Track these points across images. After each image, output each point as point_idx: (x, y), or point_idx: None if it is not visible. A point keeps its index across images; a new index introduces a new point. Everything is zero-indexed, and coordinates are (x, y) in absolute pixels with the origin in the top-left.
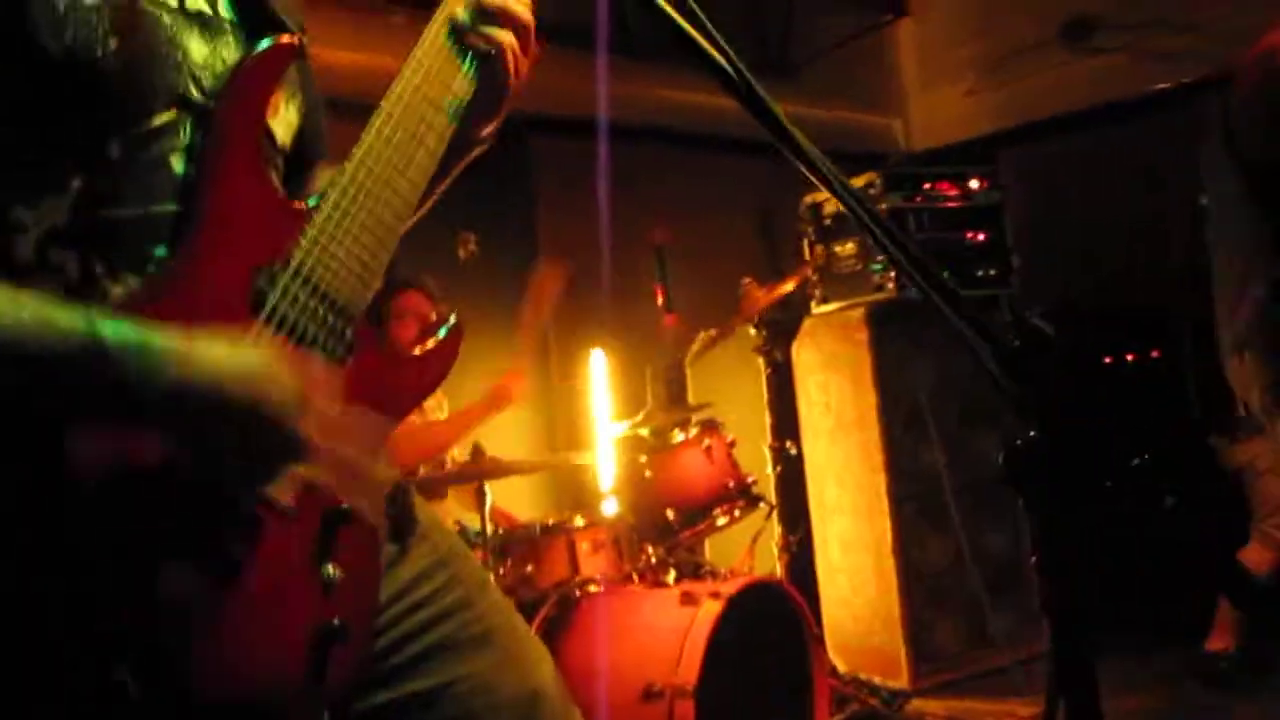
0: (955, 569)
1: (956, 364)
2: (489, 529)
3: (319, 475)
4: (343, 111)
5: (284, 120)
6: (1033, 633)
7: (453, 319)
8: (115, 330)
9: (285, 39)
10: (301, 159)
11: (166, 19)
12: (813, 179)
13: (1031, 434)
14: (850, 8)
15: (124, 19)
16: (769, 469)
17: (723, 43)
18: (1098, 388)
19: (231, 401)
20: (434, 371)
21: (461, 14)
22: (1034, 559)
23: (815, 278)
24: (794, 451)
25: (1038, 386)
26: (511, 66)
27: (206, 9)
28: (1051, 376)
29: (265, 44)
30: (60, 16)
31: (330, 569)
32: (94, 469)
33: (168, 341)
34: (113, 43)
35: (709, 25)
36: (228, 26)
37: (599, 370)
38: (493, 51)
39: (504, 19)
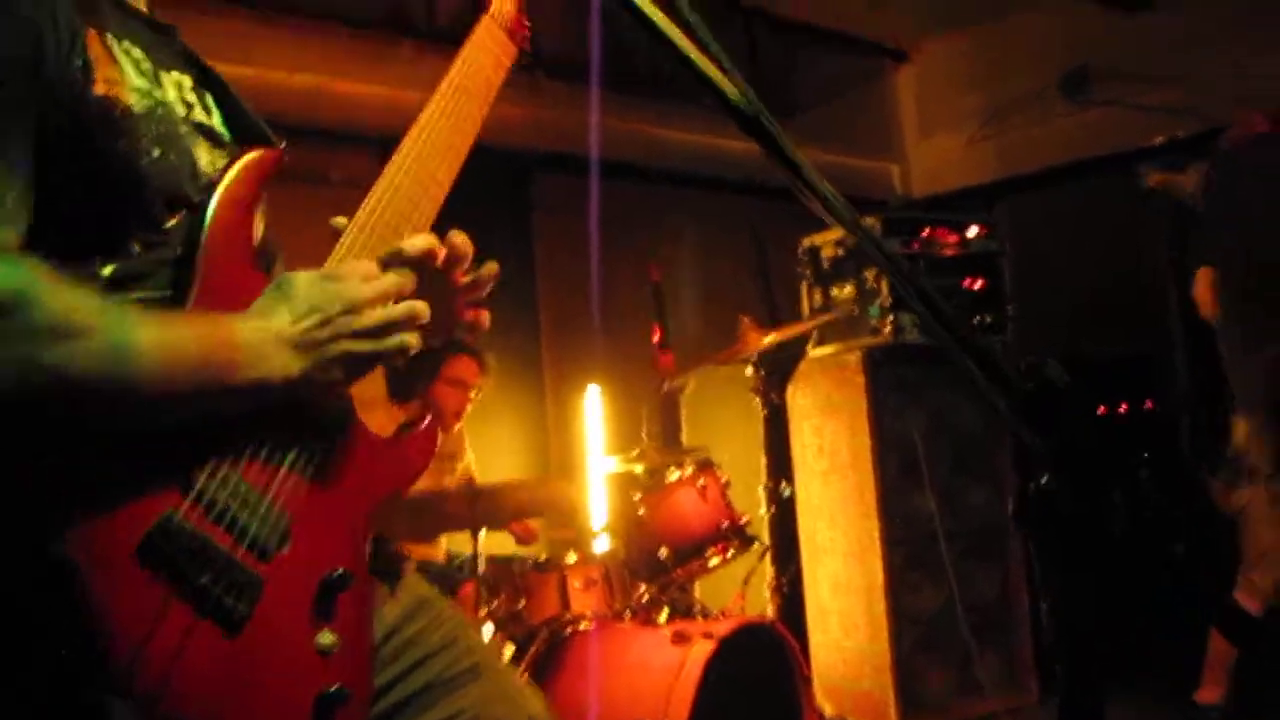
0: (945, 615)
1: (952, 410)
2: (481, 560)
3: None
4: (355, 141)
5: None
6: (1020, 681)
7: (427, 419)
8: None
9: (272, 150)
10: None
11: (183, 129)
12: (827, 218)
13: (1045, 480)
14: (851, 52)
15: (165, 135)
16: (763, 509)
17: (737, 76)
18: (1101, 437)
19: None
20: (412, 463)
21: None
22: (1046, 605)
23: (814, 323)
24: (788, 493)
25: (1053, 433)
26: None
27: (208, 121)
28: (1066, 424)
29: (254, 153)
30: (115, 124)
31: (328, 635)
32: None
33: (248, 319)
34: (155, 152)
35: (723, 58)
36: (225, 140)
37: (594, 406)
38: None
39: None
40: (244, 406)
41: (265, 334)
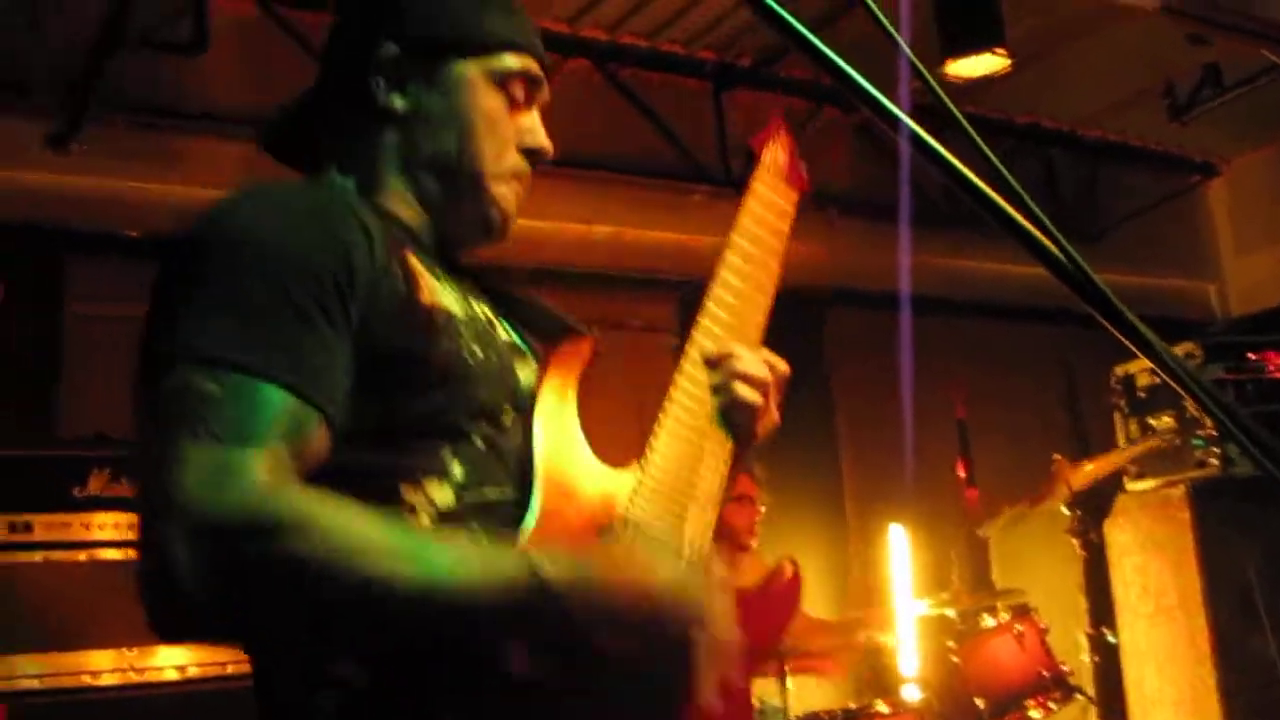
0: None
1: None
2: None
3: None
4: (654, 286)
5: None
6: None
7: (790, 563)
8: (553, 564)
9: (583, 338)
10: None
11: (501, 344)
12: (1134, 350)
13: None
14: (1156, 170)
15: (485, 338)
16: (1084, 657)
17: (1034, 207)
18: None
19: (650, 614)
20: (778, 615)
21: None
22: None
23: (1130, 455)
24: (1112, 639)
25: None
26: (759, 424)
27: (514, 341)
28: None
29: (565, 346)
30: (440, 328)
31: None
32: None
33: (592, 568)
34: (478, 350)
35: (1017, 186)
36: (529, 356)
37: (899, 546)
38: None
39: (750, 382)
40: (508, 634)
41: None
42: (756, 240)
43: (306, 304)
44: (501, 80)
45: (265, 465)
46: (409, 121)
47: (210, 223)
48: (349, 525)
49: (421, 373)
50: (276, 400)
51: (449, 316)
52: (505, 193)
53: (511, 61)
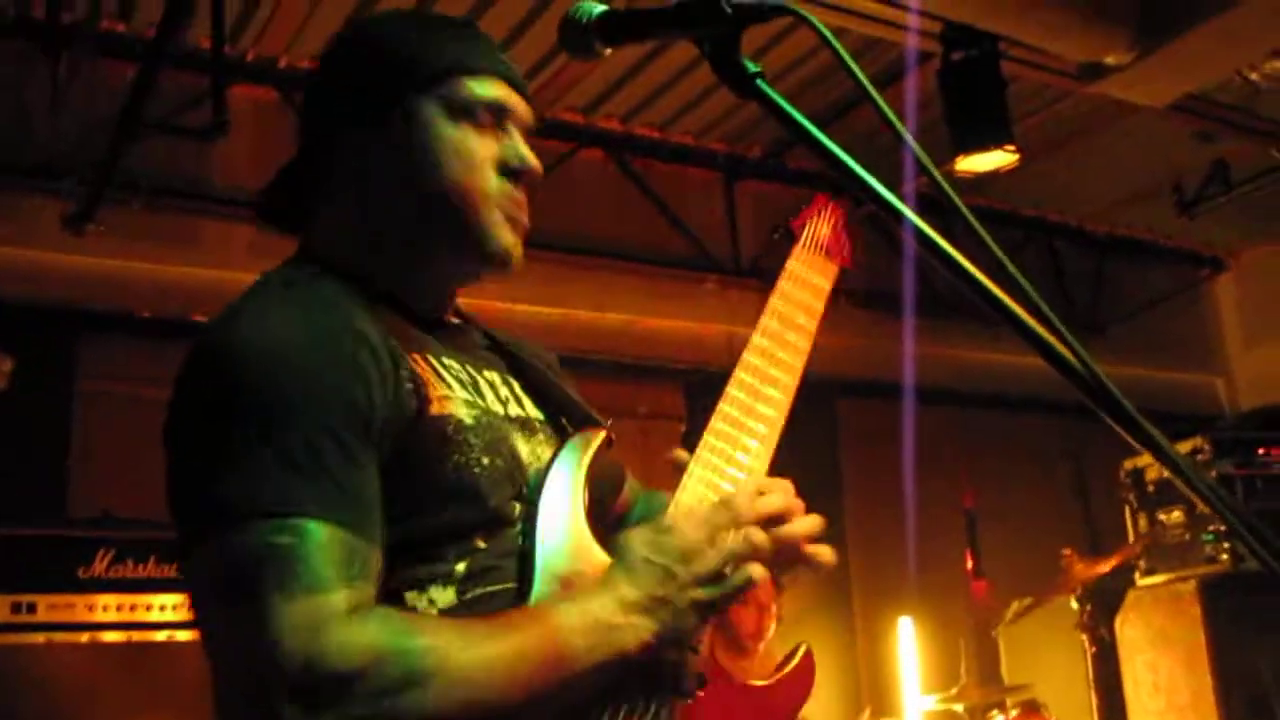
0: None
1: None
2: None
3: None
4: (663, 374)
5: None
6: None
7: (802, 649)
8: (565, 612)
9: (600, 431)
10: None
11: (505, 429)
12: (1137, 445)
13: None
14: (1164, 264)
15: (491, 440)
16: None
17: (1038, 301)
18: None
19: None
20: (783, 706)
21: None
22: None
23: (1139, 548)
24: None
25: None
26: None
27: (523, 413)
28: None
29: (576, 438)
30: (449, 443)
31: None
32: None
33: (592, 596)
34: (485, 460)
35: (1022, 280)
36: (538, 425)
37: (907, 639)
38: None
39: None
40: (608, 682)
41: (611, 605)
42: (785, 320)
43: (346, 439)
44: (461, 108)
45: (350, 605)
46: (378, 172)
47: (231, 349)
48: (462, 643)
49: (431, 492)
50: (345, 541)
51: (458, 426)
52: (496, 219)
53: (471, 87)
